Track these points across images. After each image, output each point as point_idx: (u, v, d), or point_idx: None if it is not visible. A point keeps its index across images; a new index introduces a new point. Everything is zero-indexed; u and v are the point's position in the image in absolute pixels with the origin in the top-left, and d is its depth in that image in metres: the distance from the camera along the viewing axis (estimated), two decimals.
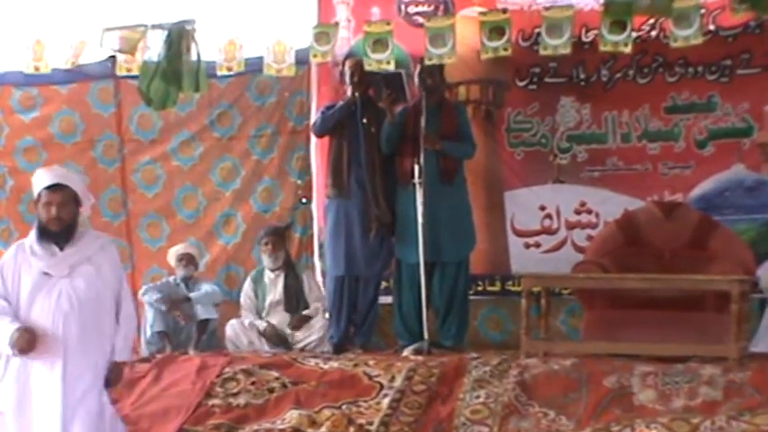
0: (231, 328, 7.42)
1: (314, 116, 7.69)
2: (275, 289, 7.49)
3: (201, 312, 7.57)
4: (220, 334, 7.57)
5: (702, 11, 6.64)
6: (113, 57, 7.52)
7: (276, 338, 7.32)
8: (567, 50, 6.73)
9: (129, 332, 4.97)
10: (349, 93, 7.20)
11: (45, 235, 4.81)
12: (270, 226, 7.74)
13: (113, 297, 4.88)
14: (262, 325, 7.38)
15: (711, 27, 7.16)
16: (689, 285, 6.35)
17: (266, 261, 7.54)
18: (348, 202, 7.14)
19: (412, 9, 7.85)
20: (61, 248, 4.82)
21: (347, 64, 7.29)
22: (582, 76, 7.66)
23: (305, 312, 7.38)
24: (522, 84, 7.76)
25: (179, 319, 7.52)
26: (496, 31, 6.77)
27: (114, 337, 4.85)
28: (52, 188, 4.80)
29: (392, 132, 7.02)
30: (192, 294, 7.62)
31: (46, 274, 4.78)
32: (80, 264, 4.81)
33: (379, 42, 6.89)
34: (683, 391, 5.60)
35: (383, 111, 7.10)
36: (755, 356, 6.30)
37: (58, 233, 4.79)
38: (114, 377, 4.90)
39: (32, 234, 4.86)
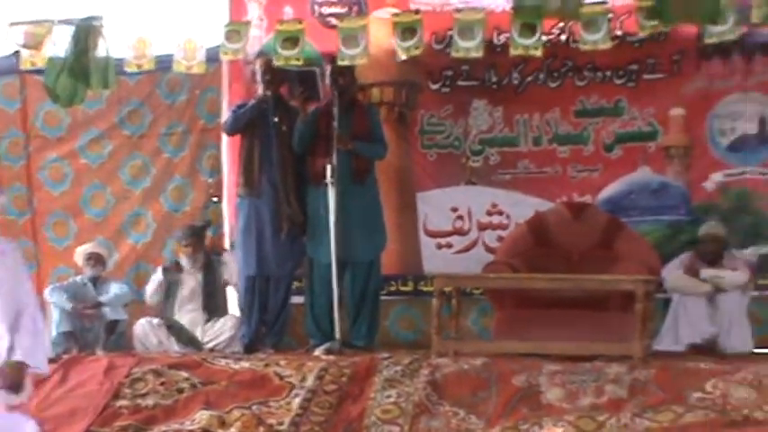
0: (140, 327, 7.32)
1: (225, 114, 7.66)
2: (190, 286, 7.42)
3: (110, 314, 7.47)
4: (129, 334, 7.46)
5: (610, 15, 6.77)
6: (18, 52, 7.39)
7: (185, 336, 7.27)
8: (478, 54, 6.78)
9: (37, 338, 4.30)
10: (260, 91, 7.18)
11: None
12: (188, 226, 7.65)
13: (9, 307, 4.22)
14: (163, 323, 7.32)
15: (619, 32, 7.31)
16: (596, 285, 6.46)
17: (185, 262, 7.45)
18: (259, 202, 7.11)
19: (325, 10, 7.85)
20: None
21: (258, 62, 7.28)
22: (494, 79, 7.75)
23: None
24: (435, 86, 7.82)
25: (85, 320, 7.42)
26: (409, 31, 6.80)
27: (13, 340, 4.21)
28: None
29: (304, 131, 7.04)
30: (102, 298, 7.51)
31: None
32: None
33: (290, 40, 6.89)
34: (590, 390, 5.68)
35: (295, 110, 7.12)
36: (659, 355, 6.45)
37: None
38: (12, 378, 4.20)
39: None
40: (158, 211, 8.16)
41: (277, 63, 6.99)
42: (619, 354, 6.13)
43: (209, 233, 7.88)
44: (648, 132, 7.55)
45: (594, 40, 6.56)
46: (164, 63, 7.42)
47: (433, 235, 7.79)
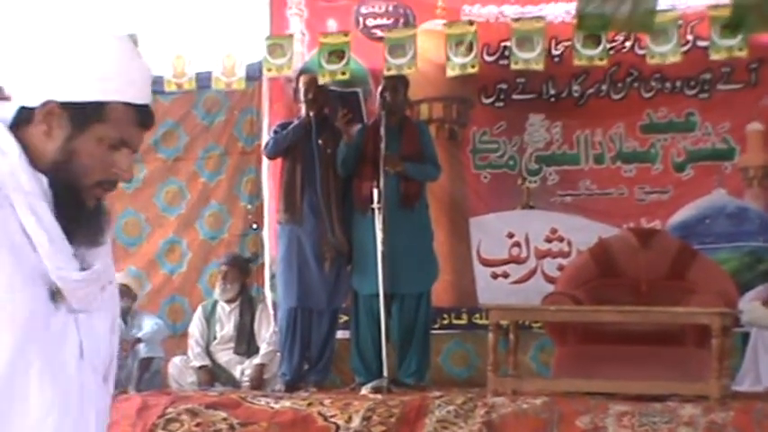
0: (174, 366, 7.27)
1: (265, 136, 7.60)
2: (228, 324, 7.33)
3: (145, 350, 7.39)
4: (164, 372, 7.39)
5: (680, 22, 6.58)
6: None
7: (211, 380, 7.17)
8: (539, 66, 6.71)
9: None
10: (303, 111, 7.07)
11: (69, 211, 1.98)
12: (231, 254, 7.62)
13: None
14: (197, 364, 7.24)
15: (689, 37, 7.10)
16: (667, 318, 6.29)
17: (217, 290, 7.39)
18: (301, 229, 7.01)
19: (371, 22, 7.75)
20: (76, 249, 2.00)
21: (301, 80, 7.17)
22: (552, 92, 7.60)
23: (257, 362, 7.17)
24: (487, 101, 7.69)
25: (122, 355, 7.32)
26: (463, 45, 6.69)
27: None
28: (141, 112, 2.00)
29: (349, 154, 6.90)
30: (140, 334, 7.42)
31: (56, 295, 1.95)
32: (104, 286, 2.07)
33: (335, 54, 6.81)
34: None
35: (340, 131, 6.99)
36: (738, 395, 6.27)
37: (92, 216, 2.03)
38: None
39: (31, 185, 1.94)
40: (194, 240, 8.07)
41: (322, 80, 6.90)
42: (693, 394, 5.98)
43: (252, 267, 7.76)
44: (723, 150, 7.33)
45: (663, 53, 6.41)
46: (201, 81, 7.46)
47: (487, 264, 7.64)
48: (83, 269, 1.97)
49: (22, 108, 1.93)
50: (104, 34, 1.95)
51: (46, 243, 1.91)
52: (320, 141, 6.98)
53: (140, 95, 1.98)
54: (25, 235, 1.88)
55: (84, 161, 1.94)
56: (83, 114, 1.92)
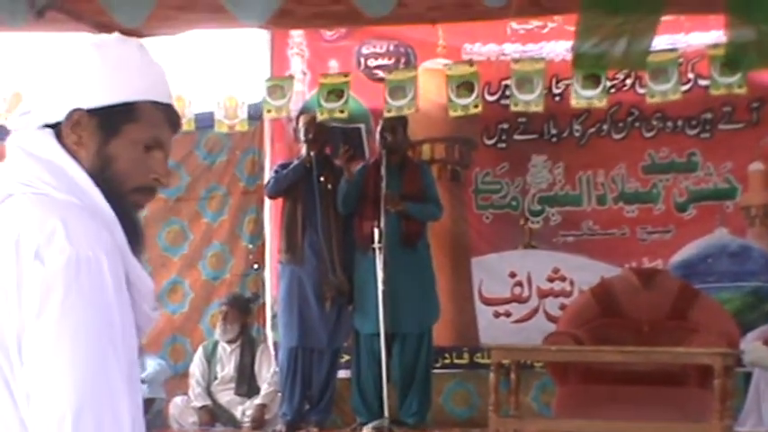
0: (175, 406, 7.23)
1: (267, 175, 7.55)
2: (229, 365, 7.30)
3: (147, 391, 7.32)
4: (166, 413, 7.34)
5: (680, 60, 6.58)
6: None
7: (212, 420, 7.13)
8: (539, 108, 6.67)
9: None
10: (304, 151, 7.07)
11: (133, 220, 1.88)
12: (231, 294, 7.56)
13: None
14: (198, 405, 7.21)
15: (690, 76, 7.09)
16: (669, 359, 6.23)
17: (218, 331, 7.35)
18: (302, 269, 7.00)
19: (372, 62, 7.73)
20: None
21: (301, 120, 7.17)
22: (553, 131, 7.54)
23: (257, 402, 7.15)
24: (490, 142, 7.64)
25: None
26: (465, 86, 6.68)
27: None
28: (169, 111, 1.93)
29: (350, 192, 6.89)
30: (144, 375, 7.34)
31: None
32: None
33: (334, 92, 6.80)
34: None
35: (341, 169, 6.98)
36: None
37: (140, 229, 1.92)
38: None
39: (98, 199, 1.81)
40: (196, 280, 8.00)
41: (321, 117, 6.90)
42: None
43: (253, 308, 7.69)
44: (725, 190, 7.29)
45: (664, 91, 6.38)
46: (202, 122, 7.37)
47: (489, 303, 7.57)
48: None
49: (45, 127, 1.83)
50: (118, 38, 1.88)
51: (148, 283, 1.81)
52: (321, 178, 6.99)
53: (165, 95, 1.89)
54: (127, 281, 1.75)
55: (122, 166, 1.83)
56: (112, 117, 1.82)
